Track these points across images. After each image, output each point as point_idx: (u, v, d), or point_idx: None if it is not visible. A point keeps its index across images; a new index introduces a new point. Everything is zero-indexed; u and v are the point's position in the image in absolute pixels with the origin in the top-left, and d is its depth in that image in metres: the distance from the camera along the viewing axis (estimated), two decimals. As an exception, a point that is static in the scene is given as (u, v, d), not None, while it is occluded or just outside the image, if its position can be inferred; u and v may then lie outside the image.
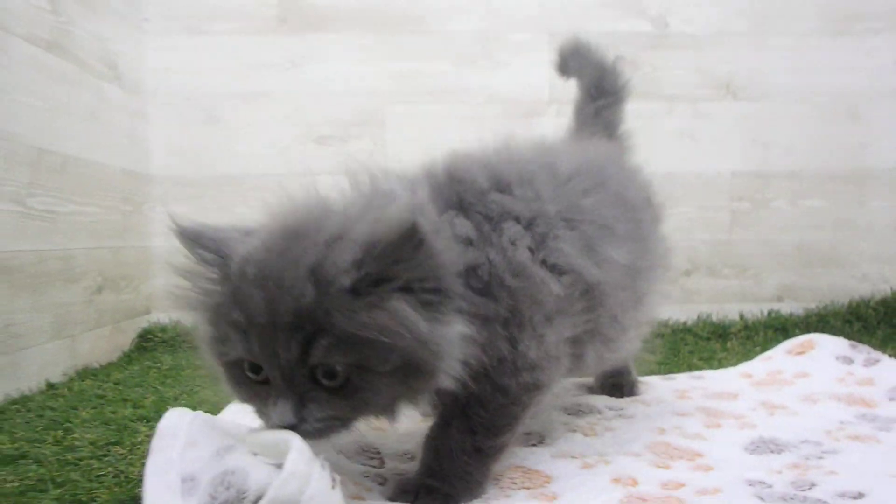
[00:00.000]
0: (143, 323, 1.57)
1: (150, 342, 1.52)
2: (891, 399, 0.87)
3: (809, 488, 0.56)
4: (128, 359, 1.41)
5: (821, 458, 0.65)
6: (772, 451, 0.68)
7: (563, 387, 1.07)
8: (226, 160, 1.61)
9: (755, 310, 1.63)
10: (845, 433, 0.74)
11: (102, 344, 1.37)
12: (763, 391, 0.94)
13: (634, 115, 1.59)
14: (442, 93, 1.61)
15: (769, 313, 1.63)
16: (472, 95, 1.63)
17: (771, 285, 1.66)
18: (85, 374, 1.23)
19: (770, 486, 0.57)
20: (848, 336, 1.53)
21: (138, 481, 0.67)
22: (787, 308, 1.64)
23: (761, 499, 0.53)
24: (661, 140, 1.63)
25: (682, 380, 1.03)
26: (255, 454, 0.51)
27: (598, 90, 1.04)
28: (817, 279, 1.66)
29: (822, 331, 1.55)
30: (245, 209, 1.61)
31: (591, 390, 0.99)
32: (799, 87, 1.64)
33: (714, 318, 1.62)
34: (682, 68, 1.63)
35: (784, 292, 1.67)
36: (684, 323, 1.60)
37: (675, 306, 1.61)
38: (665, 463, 0.66)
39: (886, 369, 0.96)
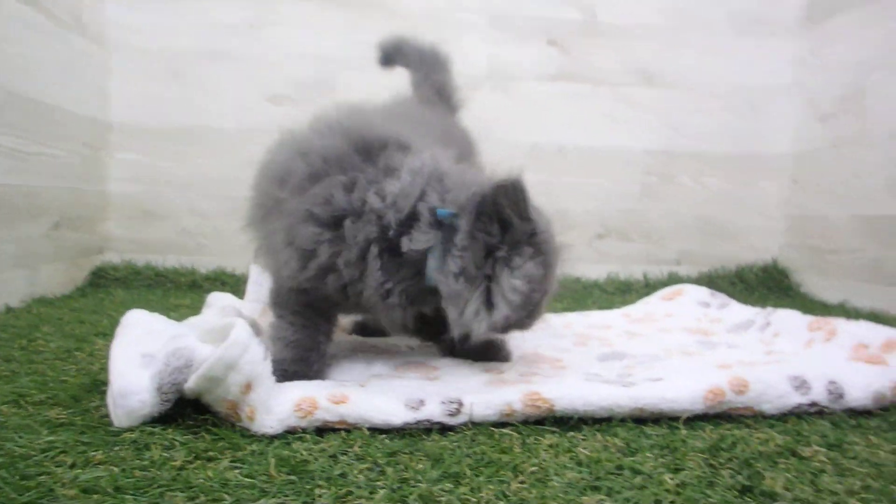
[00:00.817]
0: (96, 261, 1.70)
1: (102, 279, 1.65)
2: (728, 331, 1.10)
3: (628, 377, 0.77)
4: (82, 292, 1.54)
5: (650, 364, 0.86)
6: (616, 359, 0.89)
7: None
8: (184, 114, 1.74)
9: (657, 271, 1.86)
10: (679, 350, 0.95)
11: (59, 277, 1.50)
12: (633, 325, 1.15)
13: (564, 94, 1.80)
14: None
15: (669, 274, 1.86)
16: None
17: (672, 250, 1.90)
18: (43, 301, 1.36)
19: (599, 375, 0.78)
20: (730, 294, 1.78)
21: (100, 372, 0.79)
22: (684, 270, 1.88)
23: (588, 379, 0.73)
24: (585, 118, 1.83)
25: (572, 316, 1.24)
26: (204, 341, 0.67)
27: (428, 72, 1.18)
28: (712, 247, 1.90)
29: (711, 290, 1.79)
30: (201, 161, 1.74)
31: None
32: (706, 78, 1.86)
33: (621, 277, 1.85)
34: (607, 55, 1.82)
35: (683, 257, 1.90)
36: (595, 280, 1.82)
37: (589, 265, 1.83)
38: (530, 365, 0.86)
39: (733, 312, 1.18)
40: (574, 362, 0.87)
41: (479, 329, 0.71)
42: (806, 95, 1.82)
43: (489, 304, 0.72)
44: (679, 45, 1.85)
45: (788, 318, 1.03)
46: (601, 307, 1.56)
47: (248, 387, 0.62)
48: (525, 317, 0.75)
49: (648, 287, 1.78)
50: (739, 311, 1.17)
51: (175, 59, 1.73)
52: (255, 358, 0.63)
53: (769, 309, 1.11)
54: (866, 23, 1.60)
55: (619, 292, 1.76)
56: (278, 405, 0.63)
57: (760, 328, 1.07)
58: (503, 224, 0.72)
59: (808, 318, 1.01)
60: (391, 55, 1.22)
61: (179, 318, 0.93)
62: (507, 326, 0.75)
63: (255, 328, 0.86)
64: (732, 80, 1.87)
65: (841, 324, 0.94)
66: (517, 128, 1.81)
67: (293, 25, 1.75)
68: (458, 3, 1.79)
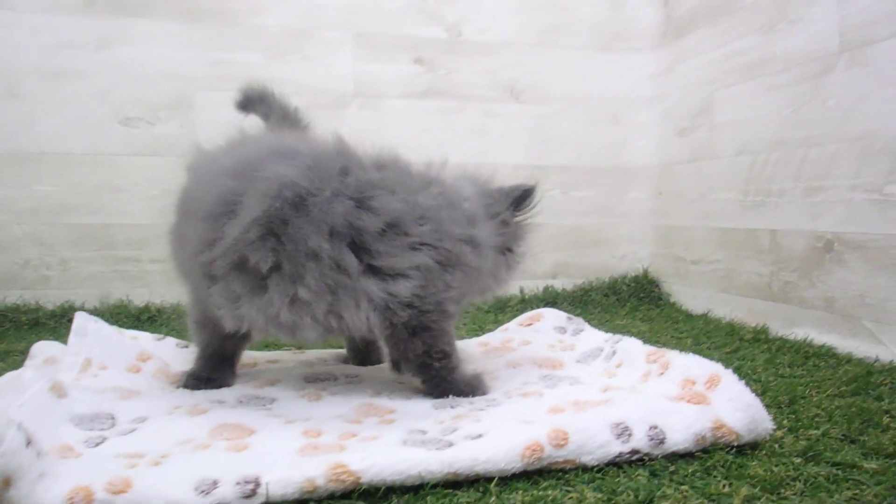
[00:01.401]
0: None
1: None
2: (577, 360, 1.11)
3: (452, 431, 0.75)
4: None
5: (482, 409, 0.85)
6: (448, 407, 0.87)
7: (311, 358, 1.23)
8: (25, 137, 1.61)
9: (533, 285, 1.89)
10: (520, 391, 0.95)
11: None
12: (486, 358, 1.15)
13: (432, 111, 1.78)
14: (252, 82, 1.69)
15: (545, 288, 1.88)
16: (281, 86, 1.71)
17: (547, 263, 1.92)
18: None
19: (424, 433, 0.76)
20: (604, 307, 1.82)
21: None
22: (559, 284, 1.90)
23: (404, 443, 0.71)
24: (455, 135, 1.82)
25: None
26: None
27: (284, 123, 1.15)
28: (585, 258, 1.94)
29: (586, 303, 1.84)
30: (44, 187, 1.62)
31: (345, 360, 1.17)
32: (572, 93, 1.89)
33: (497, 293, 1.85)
34: (474, 72, 1.82)
35: (558, 269, 1.93)
36: (471, 297, 1.82)
37: (464, 283, 1.82)
38: (355, 421, 0.82)
39: (585, 338, 1.20)
40: (407, 413, 0.85)
41: (504, 284, 1.09)
42: (665, 110, 1.89)
43: (509, 265, 1.05)
44: (545, 61, 1.87)
45: (631, 348, 1.05)
46: (474, 327, 1.57)
47: (6, 482, 0.56)
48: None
49: (524, 303, 1.80)
50: (591, 338, 1.19)
51: (14, 79, 1.60)
52: (11, 448, 0.57)
53: (616, 336, 1.13)
54: (713, 41, 1.67)
55: (495, 310, 1.77)
56: (48, 501, 0.57)
57: (607, 357, 1.09)
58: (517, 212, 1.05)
59: (647, 349, 1.03)
60: (252, 103, 1.18)
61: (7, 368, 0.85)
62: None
63: (58, 390, 0.79)
64: (597, 94, 1.91)
65: (674, 357, 0.96)
66: (387, 145, 1.77)
67: (147, 44, 1.66)
68: (323, 21, 1.74)
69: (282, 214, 0.82)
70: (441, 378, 0.92)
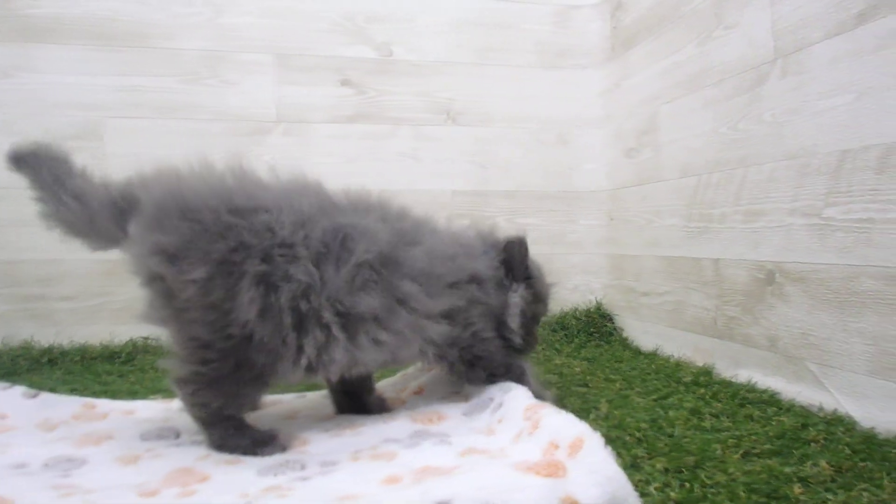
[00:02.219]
0: None
1: None
2: (464, 414, 0.98)
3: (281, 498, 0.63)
4: None
5: (306, 479, 0.73)
6: (289, 470, 0.75)
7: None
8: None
9: (476, 321, 1.74)
10: (372, 452, 0.83)
11: None
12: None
13: (361, 136, 1.67)
14: (167, 108, 1.60)
15: (489, 324, 1.74)
16: (198, 112, 1.63)
17: (493, 297, 1.78)
18: None
19: (247, 494, 0.64)
20: (550, 343, 1.67)
21: None
22: (506, 318, 1.76)
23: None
24: (386, 160, 1.71)
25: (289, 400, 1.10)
26: None
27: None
28: (535, 291, 1.79)
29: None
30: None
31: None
32: (515, 114, 1.77)
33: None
34: (406, 94, 1.71)
35: (505, 304, 1.78)
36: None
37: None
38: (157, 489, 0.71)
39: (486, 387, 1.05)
40: (224, 482, 0.72)
41: (514, 340, 1.05)
42: (614, 129, 1.75)
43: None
44: (484, 81, 1.75)
45: (514, 401, 0.91)
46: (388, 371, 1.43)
47: None
48: (525, 334, 1.06)
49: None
50: (489, 387, 1.05)
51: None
52: None
53: (507, 385, 0.99)
54: (656, 54, 1.54)
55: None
56: None
57: (494, 409, 0.95)
58: (508, 267, 1.05)
59: (527, 403, 0.89)
60: (24, 161, 0.93)
61: None
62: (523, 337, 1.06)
63: None
64: (543, 114, 1.79)
65: (546, 415, 0.83)
66: (313, 173, 1.66)
67: (54, 70, 1.57)
68: (241, 43, 1.65)
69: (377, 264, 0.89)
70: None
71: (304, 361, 0.85)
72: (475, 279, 0.99)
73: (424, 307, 0.92)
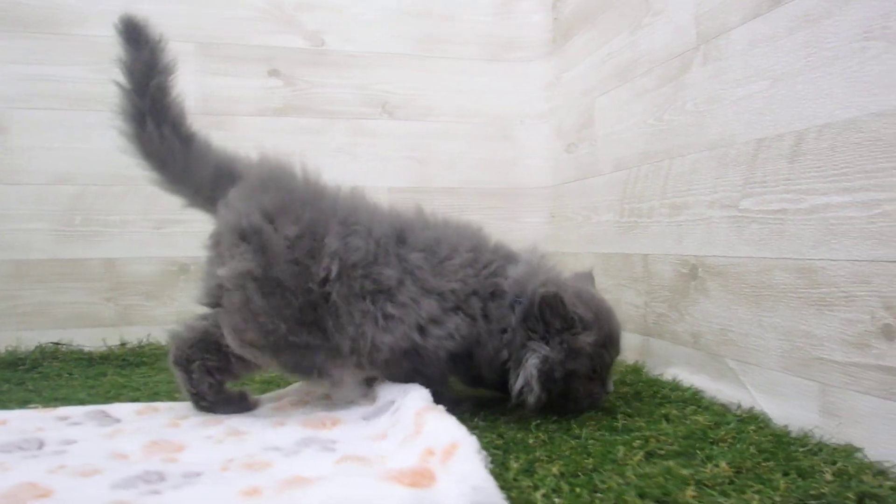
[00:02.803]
0: None
1: None
2: (363, 418, 0.93)
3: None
4: None
5: (158, 493, 0.68)
6: (141, 482, 0.70)
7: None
8: None
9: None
10: (247, 461, 0.78)
11: None
12: (265, 416, 0.97)
13: (291, 130, 1.62)
14: (79, 100, 1.54)
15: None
16: (112, 104, 1.57)
17: (433, 296, 1.73)
18: None
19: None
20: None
21: None
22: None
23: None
24: (320, 155, 1.65)
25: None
26: None
27: None
28: (477, 290, 1.75)
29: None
30: None
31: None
32: (456, 108, 1.72)
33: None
34: (341, 86, 1.66)
35: (446, 303, 1.74)
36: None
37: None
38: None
39: (391, 387, 1.00)
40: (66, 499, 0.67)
41: (528, 399, 0.95)
42: (556, 124, 1.71)
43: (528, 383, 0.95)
44: (423, 73, 1.71)
45: (410, 404, 0.87)
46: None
47: None
48: (559, 393, 0.97)
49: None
50: (393, 389, 1.00)
51: None
52: None
53: (406, 387, 0.94)
54: (592, 44, 1.50)
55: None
56: None
57: (392, 413, 0.90)
58: (545, 322, 0.96)
59: (420, 406, 0.84)
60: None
61: None
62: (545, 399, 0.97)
63: None
64: (485, 109, 1.74)
65: (429, 419, 0.78)
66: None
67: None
68: (161, 30, 1.59)
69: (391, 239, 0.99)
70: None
71: (351, 331, 0.94)
72: (493, 294, 0.99)
73: (426, 279, 0.96)
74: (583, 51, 1.55)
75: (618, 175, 1.38)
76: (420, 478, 0.65)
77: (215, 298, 0.97)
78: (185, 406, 1.05)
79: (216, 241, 0.99)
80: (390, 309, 0.94)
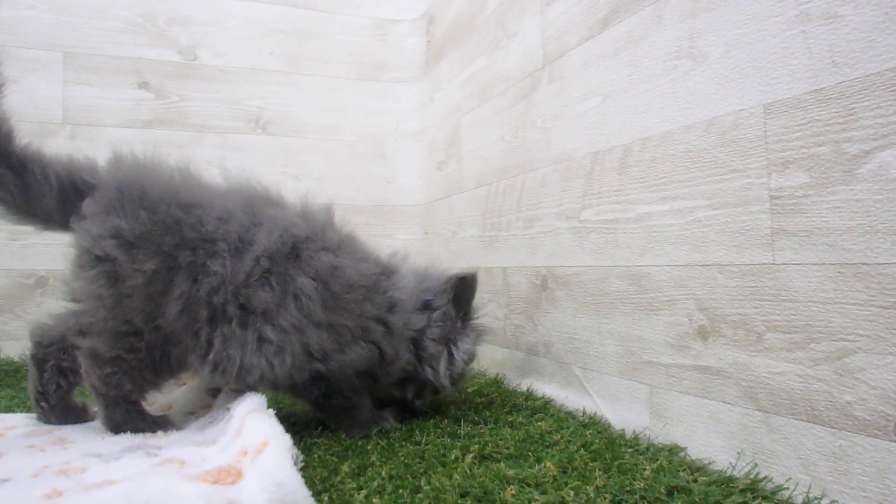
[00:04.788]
0: None
1: None
2: (199, 428, 0.90)
3: None
4: None
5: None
6: None
7: None
8: None
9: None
10: (64, 468, 0.73)
11: None
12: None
13: (160, 142, 1.56)
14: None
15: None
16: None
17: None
18: None
19: None
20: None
21: None
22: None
23: None
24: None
25: None
26: None
27: None
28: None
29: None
30: None
31: None
32: (330, 125, 1.72)
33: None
34: (212, 100, 1.63)
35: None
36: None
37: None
38: None
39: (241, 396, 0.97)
40: None
41: (446, 379, 1.00)
42: (428, 142, 1.74)
43: (451, 359, 1.00)
44: (297, 89, 1.70)
45: (240, 410, 0.84)
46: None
47: None
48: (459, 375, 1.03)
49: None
50: (230, 398, 0.97)
51: None
52: None
53: (244, 395, 0.91)
54: (457, 65, 1.55)
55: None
56: None
57: (227, 420, 0.87)
58: (459, 305, 1.01)
59: (248, 409, 0.82)
60: None
61: None
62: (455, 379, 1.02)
63: None
64: (359, 127, 1.75)
65: (249, 420, 0.77)
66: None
67: None
68: (24, 37, 1.52)
69: (279, 256, 0.88)
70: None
71: (212, 356, 0.85)
72: (391, 309, 0.95)
73: (314, 310, 0.88)
74: (450, 71, 1.59)
75: (480, 191, 1.41)
76: (225, 475, 0.63)
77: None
78: (20, 417, 0.99)
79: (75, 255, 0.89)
80: (269, 333, 0.86)
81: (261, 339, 0.86)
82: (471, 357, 1.03)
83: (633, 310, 0.95)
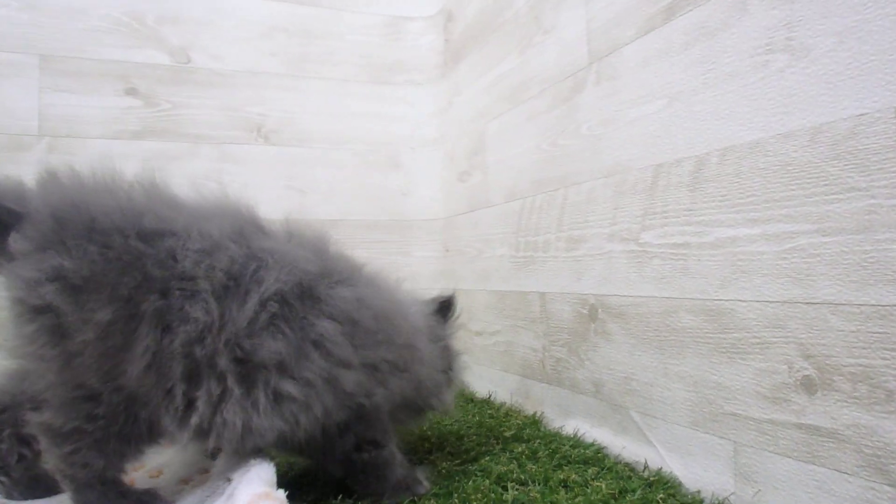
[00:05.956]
0: None
1: None
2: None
3: None
4: None
5: None
6: None
7: None
8: None
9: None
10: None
11: None
12: None
13: (151, 155, 1.41)
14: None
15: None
16: (-68, 124, 1.33)
17: (316, 341, 1.55)
18: None
19: None
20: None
21: None
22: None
23: None
24: (185, 184, 1.45)
25: None
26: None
27: None
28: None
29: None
30: None
31: None
32: (338, 133, 1.57)
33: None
34: (208, 107, 1.48)
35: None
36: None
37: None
38: None
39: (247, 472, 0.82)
40: None
41: (450, 407, 0.94)
42: (448, 151, 1.59)
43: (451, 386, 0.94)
44: (302, 94, 1.55)
45: (245, 487, 0.69)
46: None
47: None
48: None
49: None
50: (232, 465, 0.82)
51: None
52: None
53: (248, 466, 0.76)
54: (482, 66, 1.40)
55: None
56: None
57: (228, 496, 0.72)
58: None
59: (257, 490, 0.67)
60: None
61: None
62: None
63: None
64: (371, 134, 1.60)
65: (247, 483, 0.62)
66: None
67: None
68: (-2, 41, 1.37)
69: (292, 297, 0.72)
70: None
71: (194, 420, 0.68)
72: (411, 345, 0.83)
73: (343, 352, 0.73)
74: (472, 73, 1.44)
75: (511, 206, 1.26)
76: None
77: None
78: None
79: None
80: (290, 389, 0.70)
81: (278, 397, 0.70)
82: (461, 384, 1.02)
83: (711, 351, 0.80)
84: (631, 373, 0.94)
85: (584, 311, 1.04)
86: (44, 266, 0.65)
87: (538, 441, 1.03)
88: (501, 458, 0.96)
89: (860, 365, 0.63)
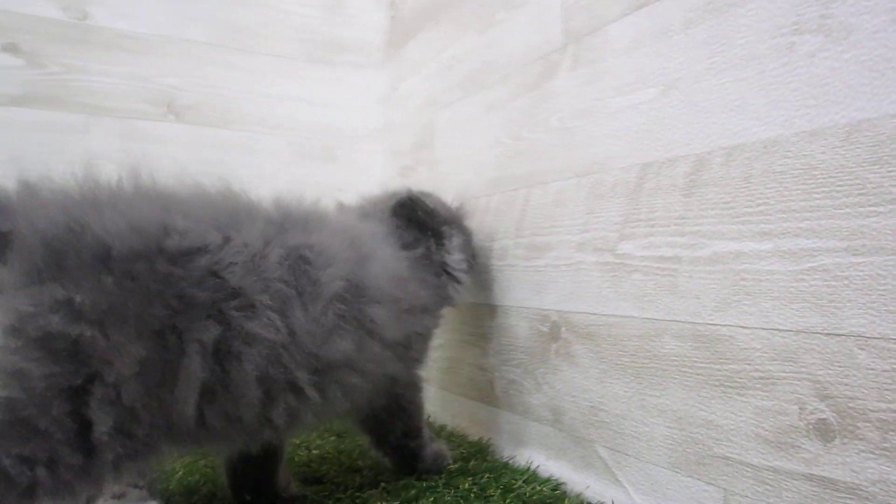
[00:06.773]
0: None
1: None
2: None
3: None
4: None
5: None
6: None
7: None
8: None
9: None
10: None
11: None
12: None
13: (34, 126, 1.19)
14: None
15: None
16: None
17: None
18: None
19: None
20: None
21: None
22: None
23: None
24: (74, 163, 1.23)
25: None
26: None
27: None
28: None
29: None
30: None
31: None
32: (269, 116, 1.39)
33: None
34: (111, 74, 1.27)
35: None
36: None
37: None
38: None
39: None
40: None
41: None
42: (391, 143, 1.44)
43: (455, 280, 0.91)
44: (226, 69, 1.36)
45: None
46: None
47: None
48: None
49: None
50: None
51: None
52: None
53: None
54: (432, 49, 1.25)
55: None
56: None
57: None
58: (419, 225, 0.90)
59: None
60: None
61: None
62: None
63: None
64: (306, 121, 1.43)
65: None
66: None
67: None
68: None
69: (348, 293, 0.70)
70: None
71: (266, 434, 0.66)
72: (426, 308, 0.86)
73: (393, 333, 0.74)
74: (422, 55, 1.29)
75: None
76: None
77: None
78: None
79: None
80: (354, 380, 0.70)
81: (346, 391, 0.70)
82: (473, 254, 0.98)
83: (700, 383, 0.68)
84: (599, 402, 0.81)
85: (544, 329, 0.91)
86: (44, 299, 0.52)
87: (487, 475, 0.89)
88: (446, 498, 0.82)
89: (892, 411, 0.53)
